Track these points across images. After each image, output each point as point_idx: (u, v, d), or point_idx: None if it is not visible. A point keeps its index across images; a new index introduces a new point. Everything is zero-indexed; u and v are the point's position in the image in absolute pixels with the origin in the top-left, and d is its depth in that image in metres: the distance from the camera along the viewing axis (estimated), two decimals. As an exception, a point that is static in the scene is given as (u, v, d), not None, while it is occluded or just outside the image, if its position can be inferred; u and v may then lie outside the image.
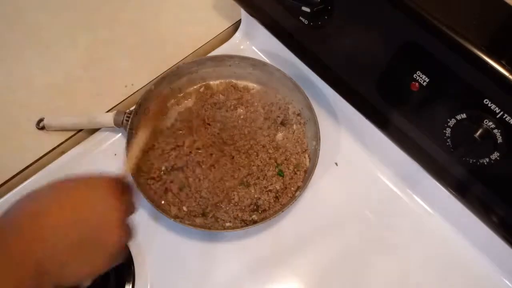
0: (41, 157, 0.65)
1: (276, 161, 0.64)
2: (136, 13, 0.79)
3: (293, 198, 0.61)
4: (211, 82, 0.72)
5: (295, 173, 0.64)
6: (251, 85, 0.72)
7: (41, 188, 0.37)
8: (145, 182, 0.62)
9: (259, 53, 0.76)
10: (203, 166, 0.63)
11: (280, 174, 0.63)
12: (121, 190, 0.40)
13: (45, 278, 0.34)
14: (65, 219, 0.36)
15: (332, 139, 0.68)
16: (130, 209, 0.42)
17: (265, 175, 0.63)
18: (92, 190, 0.38)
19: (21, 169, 0.63)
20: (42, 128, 0.66)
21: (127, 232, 0.40)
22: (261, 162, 0.64)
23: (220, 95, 0.70)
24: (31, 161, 0.64)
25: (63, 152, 0.66)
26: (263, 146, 0.65)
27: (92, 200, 0.38)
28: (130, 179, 0.44)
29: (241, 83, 0.72)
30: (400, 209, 0.65)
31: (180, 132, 0.66)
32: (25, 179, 0.63)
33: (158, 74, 0.70)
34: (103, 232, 0.37)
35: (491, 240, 0.54)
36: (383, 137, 0.59)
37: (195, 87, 0.71)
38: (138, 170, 0.62)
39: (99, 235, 0.37)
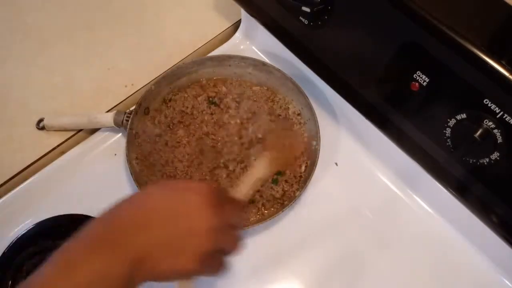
0: (41, 157, 0.65)
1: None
2: (136, 13, 0.79)
3: (293, 198, 0.61)
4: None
5: (295, 174, 0.64)
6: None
7: (145, 187, 0.42)
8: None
9: (259, 53, 0.76)
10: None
11: (275, 182, 0.63)
12: (224, 199, 0.42)
13: (140, 268, 0.36)
14: (168, 212, 0.38)
15: (332, 139, 0.68)
16: (231, 219, 0.43)
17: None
18: (193, 192, 0.40)
19: (21, 169, 0.63)
20: (42, 128, 0.66)
21: (216, 245, 0.40)
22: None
23: (223, 87, 0.70)
24: (31, 161, 0.64)
25: (63, 152, 0.66)
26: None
27: (193, 200, 0.39)
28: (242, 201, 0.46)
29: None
30: (400, 209, 0.65)
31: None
32: (25, 179, 0.63)
33: (158, 74, 0.70)
34: (198, 231, 0.39)
35: (491, 240, 0.54)
36: (383, 137, 0.59)
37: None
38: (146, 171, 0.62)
39: (195, 234, 0.38)
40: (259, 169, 0.50)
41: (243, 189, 0.48)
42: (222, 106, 0.68)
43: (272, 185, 0.63)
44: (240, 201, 0.46)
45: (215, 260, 0.41)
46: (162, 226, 0.38)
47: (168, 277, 0.39)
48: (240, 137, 0.66)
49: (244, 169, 0.63)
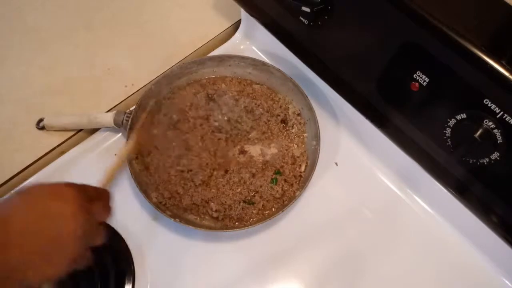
0: (41, 157, 0.65)
1: (274, 164, 0.64)
2: (136, 13, 0.79)
3: (293, 198, 0.61)
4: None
5: (295, 174, 0.64)
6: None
7: (10, 196, 0.41)
8: (146, 181, 0.62)
9: (259, 53, 0.76)
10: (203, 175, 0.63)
11: (274, 182, 0.63)
12: (90, 197, 0.42)
13: (9, 281, 0.36)
14: (30, 226, 0.38)
15: (332, 139, 0.68)
16: (100, 215, 0.44)
17: (263, 175, 0.63)
18: (55, 198, 0.40)
19: (21, 169, 0.63)
20: (42, 128, 0.66)
21: (89, 237, 0.41)
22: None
23: (223, 85, 0.70)
24: (31, 161, 0.64)
25: (63, 152, 0.66)
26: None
27: (55, 207, 0.40)
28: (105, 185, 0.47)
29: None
30: (400, 209, 0.65)
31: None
32: (25, 179, 0.63)
33: (158, 74, 0.70)
34: (63, 239, 0.39)
35: (491, 240, 0.54)
36: (383, 137, 0.59)
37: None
38: (142, 170, 0.62)
39: (60, 242, 0.39)
40: (120, 154, 0.53)
41: (106, 178, 0.50)
42: (220, 103, 0.68)
43: (272, 185, 0.63)
44: (106, 191, 0.47)
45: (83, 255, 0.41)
46: (23, 242, 0.37)
47: (40, 282, 0.39)
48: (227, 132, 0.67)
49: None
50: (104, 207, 0.45)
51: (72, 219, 0.39)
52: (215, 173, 0.63)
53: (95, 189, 0.47)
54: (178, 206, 0.61)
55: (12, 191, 0.47)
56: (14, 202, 0.40)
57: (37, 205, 0.40)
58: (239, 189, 0.62)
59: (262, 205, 0.62)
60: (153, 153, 0.64)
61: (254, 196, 0.62)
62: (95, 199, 0.44)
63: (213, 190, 0.62)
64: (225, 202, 0.61)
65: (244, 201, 0.62)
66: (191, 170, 0.63)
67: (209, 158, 0.64)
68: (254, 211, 0.61)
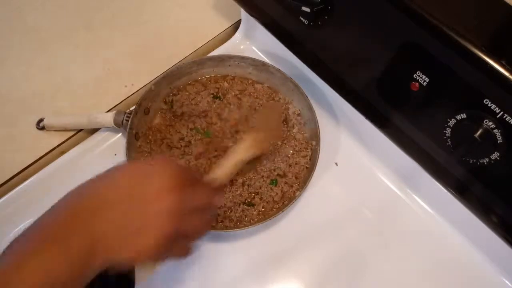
0: (41, 157, 0.65)
1: (274, 164, 0.64)
2: (136, 13, 0.79)
3: (293, 198, 0.61)
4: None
5: (295, 173, 0.64)
6: (251, 85, 0.72)
7: (117, 166, 0.40)
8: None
9: (259, 53, 0.76)
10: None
11: (274, 183, 0.63)
12: (189, 185, 0.40)
13: (96, 252, 0.35)
14: (127, 197, 0.37)
15: (332, 139, 0.68)
16: (200, 201, 0.42)
17: (262, 175, 0.63)
18: (158, 176, 0.39)
19: (21, 169, 0.63)
20: (42, 128, 0.66)
21: (178, 228, 0.39)
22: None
23: (225, 83, 0.70)
24: (31, 161, 0.64)
25: (63, 152, 0.66)
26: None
27: (155, 185, 0.38)
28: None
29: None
30: (400, 209, 0.65)
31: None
32: (25, 179, 0.63)
33: (158, 74, 0.70)
34: (153, 218, 0.38)
35: (491, 240, 0.54)
36: (383, 137, 0.59)
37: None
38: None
39: (149, 222, 0.37)
40: (239, 151, 0.49)
41: (220, 171, 0.47)
42: (225, 101, 0.69)
43: (272, 186, 0.63)
44: (212, 183, 0.45)
45: (177, 244, 0.40)
46: (118, 207, 0.37)
47: (127, 259, 0.38)
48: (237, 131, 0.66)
49: None
50: (204, 195, 0.42)
51: (171, 196, 0.38)
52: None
53: (197, 174, 0.45)
54: None
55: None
56: (114, 173, 0.40)
57: (136, 176, 0.39)
58: (238, 191, 0.62)
59: (262, 207, 0.62)
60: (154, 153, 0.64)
61: (254, 197, 0.62)
62: (196, 184, 0.42)
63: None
64: (225, 204, 0.61)
65: (244, 203, 0.61)
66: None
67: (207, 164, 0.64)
68: (254, 212, 0.61)
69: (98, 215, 0.36)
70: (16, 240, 0.35)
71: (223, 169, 0.48)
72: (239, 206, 0.61)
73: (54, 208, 0.37)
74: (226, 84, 0.70)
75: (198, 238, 0.43)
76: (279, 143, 0.66)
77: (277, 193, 0.62)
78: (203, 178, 0.45)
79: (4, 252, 0.34)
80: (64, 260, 0.34)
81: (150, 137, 0.65)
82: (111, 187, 0.38)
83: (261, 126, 0.56)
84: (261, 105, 0.68)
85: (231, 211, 0.61)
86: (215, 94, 0.69)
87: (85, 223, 0.36)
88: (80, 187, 0.38)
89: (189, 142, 0.65)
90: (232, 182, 0.63)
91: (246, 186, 0.62)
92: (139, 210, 0.37)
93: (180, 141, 0.65)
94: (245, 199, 0.62)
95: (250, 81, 0.71)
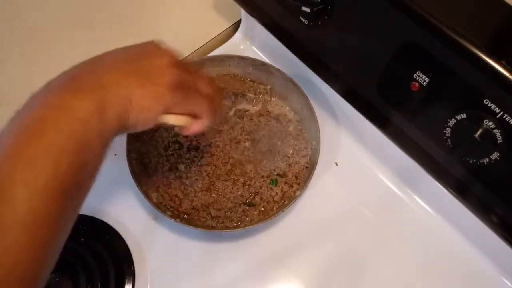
0: (41, 157, 0.64)
1: (274, 164, 0.64)
2: (136, 13, 0.79)
3: (293, 198, 0.61)
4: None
5: (295, 173, 0.64)
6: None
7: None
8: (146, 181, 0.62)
9: (259, 53, 0.76)
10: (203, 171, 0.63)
11: (274, 183, 0.63)
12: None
13: (107, 112, 0.37)
14: (130, 56, 0.42)
15: (332, 139, 0.68)
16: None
17: (262, 175, 0.63)
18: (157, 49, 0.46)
19: (21, 169, 0.63)
20: (42, 128, 0.66)
21: (182, 76, 0.42)
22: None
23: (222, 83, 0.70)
24: (31, 161, 0.64)
25: (63, 152, 0.66)
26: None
27: (147, 50, 0.45)
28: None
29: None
30: (400, 209, 0.65)
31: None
32: (25, 179, 0.63)
33: (158, 74, 0.70)
34: (158, 68, 0.41)
35: (491, 240, 0.54)
36: (383, 137, 0.59)
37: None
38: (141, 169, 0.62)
39: (156, 70, 0.41)
40: None
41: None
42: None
43: (272, 186, 0.63)
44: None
45: (192, 97, 0.43)
46: (124, 61, 0.40)
47: (149, 108, 0.40)
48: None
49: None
50: (202, 78, 0.46)
51: (164, 55, 0.42)
52: (216, 181, 0.63)
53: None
54: (178, 209, 0.61)
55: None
56: (113, 50, 0.43)
57: (137, 47, 0.44)
58: (239, 192, 0.62)
59: (263, 207, 0.62)
60: (151, 154, 0.64)
61: (254, 198, 0.62)
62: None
63: (213, 195, 0.62)
64: (226, 205, 0.61)
65: (244, 203, 0.61)
66: (189, 177, 0.63)
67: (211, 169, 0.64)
68: (255, 213, 0.61)
69: (106, 71, 0.39)
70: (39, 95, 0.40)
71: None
72: (240, 206, 0.61)
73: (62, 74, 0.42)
74: (223, 84, 0.70)
75: (205, 110, 0.45)
76: (279, 142, 0.66)
77: (277, 193, 0.62)
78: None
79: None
80: (96, 112, 0.36)
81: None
82: (112, 54, 0.42)
83: None
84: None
85: (231, 212, 0.61)
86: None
87: (98, 77, 0.38)
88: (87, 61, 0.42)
89: None
90: (233, 182, 0.63)
91: (246, 186, 0.62)
92: (143, 63, 0.41)
93: None
94: (246, 200, 0.62)
95: (248, 80, 0.71)
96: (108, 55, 0.41)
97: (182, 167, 0.63)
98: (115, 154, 0.66)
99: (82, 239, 0.58)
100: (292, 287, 0.59)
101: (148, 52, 0.43)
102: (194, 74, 0.45)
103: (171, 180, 0.62)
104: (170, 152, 0.64)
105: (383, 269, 0.60)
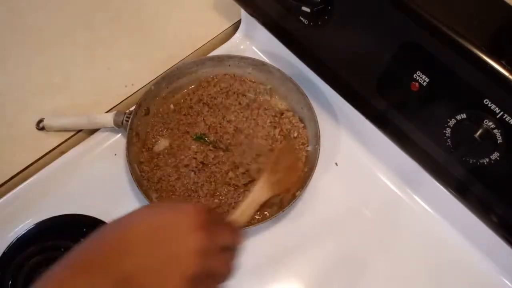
0: (41, 157, 0.65)
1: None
2: (136, 13, 0.79)
3: (293, 198, 0.61)
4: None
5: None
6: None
7: (142, 207, 0.41)
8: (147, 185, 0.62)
9: (259, 53, 0.76)
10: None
11: None
12: (213, 224, 0.40)
13: None
14: (154, 239, 0.37)
15: (332, 139, 0.68)
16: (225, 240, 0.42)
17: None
18: (183, 216, 0.39)
19: (21, 169, 0.63)
20: (42, 128, 0.66)
21: (205, 268, 0.39)
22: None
23: (222, 84, 0.70)
24: (31, 161, 0.64)
25: (63, 152, 0.66)
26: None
27: (180, 226, 0.38)
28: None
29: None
30: (400, 209, 0.65)
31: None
32: (25, 179, 0.63)
33: (158, 74, 0.70)
34: (180, 259, 0.38)
35: (491, 240, 0.54)
36: (383, 137, 0.59)
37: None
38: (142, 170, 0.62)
39: (176, 263, 0.38)
40: (258, 192, 0.50)
41: (239, 212, 0.48)
42: (221, 106, 0.68)
43: None
44: (234, 223, 0.46)
45: (205, 285, 0.40)
46: (146, 250, 0.37)
47: None
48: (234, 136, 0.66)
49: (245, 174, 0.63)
50: (227, 234, 0.43)
51: (196, 235, 0.38)
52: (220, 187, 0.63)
53: (220, 214, 0.45)
54: None
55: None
56: (139, 214, 0.39)
57: (161, 218, 0.39)
58: (241, 198, 0.62)
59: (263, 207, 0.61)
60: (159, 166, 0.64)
61: (252, 218, 0.61)
62: (219, 224, 0.42)
63: (216, 201, 0.62)
64: (228, 210, 0.61)
65: None
66: (197, 183, 0.62)
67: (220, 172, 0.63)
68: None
69: (126, 257, 0.36)
70: (45, 277, 0.35)
71: (241, 211, 0.49)
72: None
73: (83, 246, 0.37)
74: (223, 84, 0.70)
75: (224, 278, 0.43)
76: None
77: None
78: (224, 218, 0.46)
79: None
80: None
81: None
82: (137, 231, 0.38)
83: (276, 167, 0.56)
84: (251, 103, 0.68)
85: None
86: (208, 98, 0.69)
87: (115, 263, 0.36)
88: (101, 230, 0.38)
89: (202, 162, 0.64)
90: (235, 187, 0.63)
91: (248, 191, 0.62)
92: (165, 253, 0.37)
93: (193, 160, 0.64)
94: None
95: (248, 79, 0.71)
96: (132, 232, 0.38)
97: (192, 174, 0.63)
98: (115, 154, 0.66)
99: (83, 240, 0.58)
100: (292, 287, 0.59)
101: (174, 231, 0.39)
102: (221, 233, 0.42)
103: (176, 188, 0.62)
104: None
105: (383, 269, 0.60)
